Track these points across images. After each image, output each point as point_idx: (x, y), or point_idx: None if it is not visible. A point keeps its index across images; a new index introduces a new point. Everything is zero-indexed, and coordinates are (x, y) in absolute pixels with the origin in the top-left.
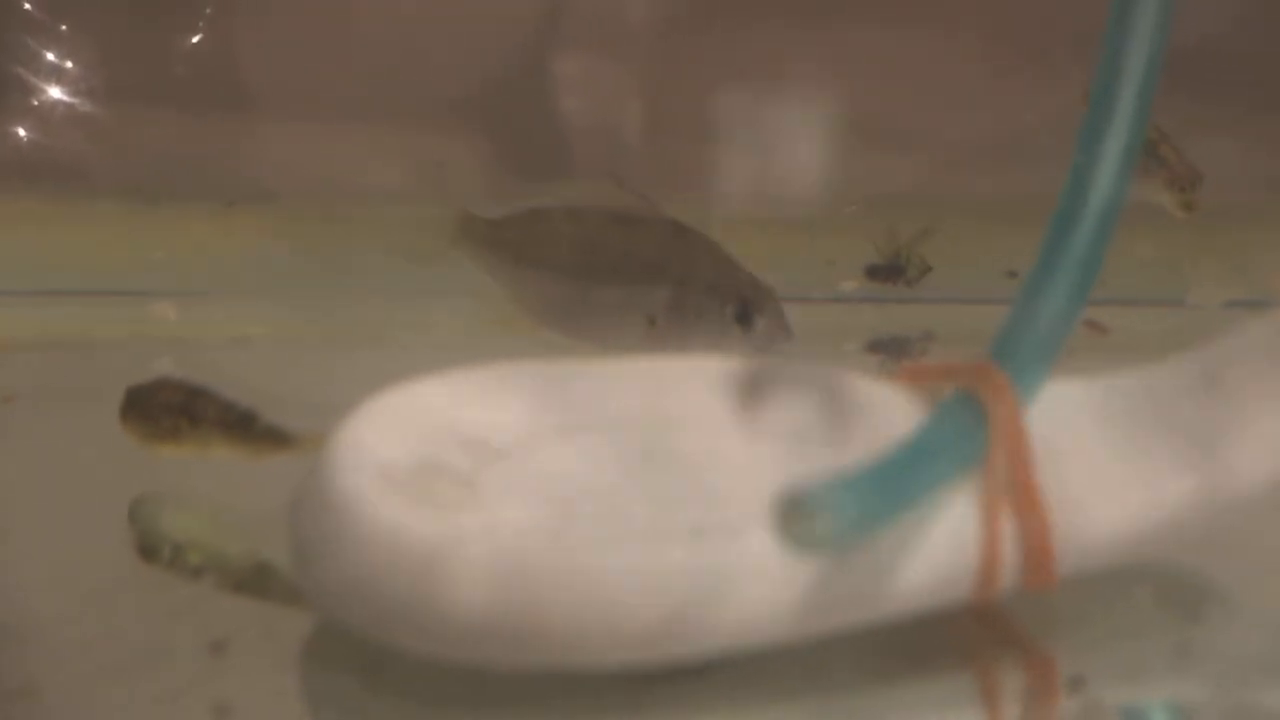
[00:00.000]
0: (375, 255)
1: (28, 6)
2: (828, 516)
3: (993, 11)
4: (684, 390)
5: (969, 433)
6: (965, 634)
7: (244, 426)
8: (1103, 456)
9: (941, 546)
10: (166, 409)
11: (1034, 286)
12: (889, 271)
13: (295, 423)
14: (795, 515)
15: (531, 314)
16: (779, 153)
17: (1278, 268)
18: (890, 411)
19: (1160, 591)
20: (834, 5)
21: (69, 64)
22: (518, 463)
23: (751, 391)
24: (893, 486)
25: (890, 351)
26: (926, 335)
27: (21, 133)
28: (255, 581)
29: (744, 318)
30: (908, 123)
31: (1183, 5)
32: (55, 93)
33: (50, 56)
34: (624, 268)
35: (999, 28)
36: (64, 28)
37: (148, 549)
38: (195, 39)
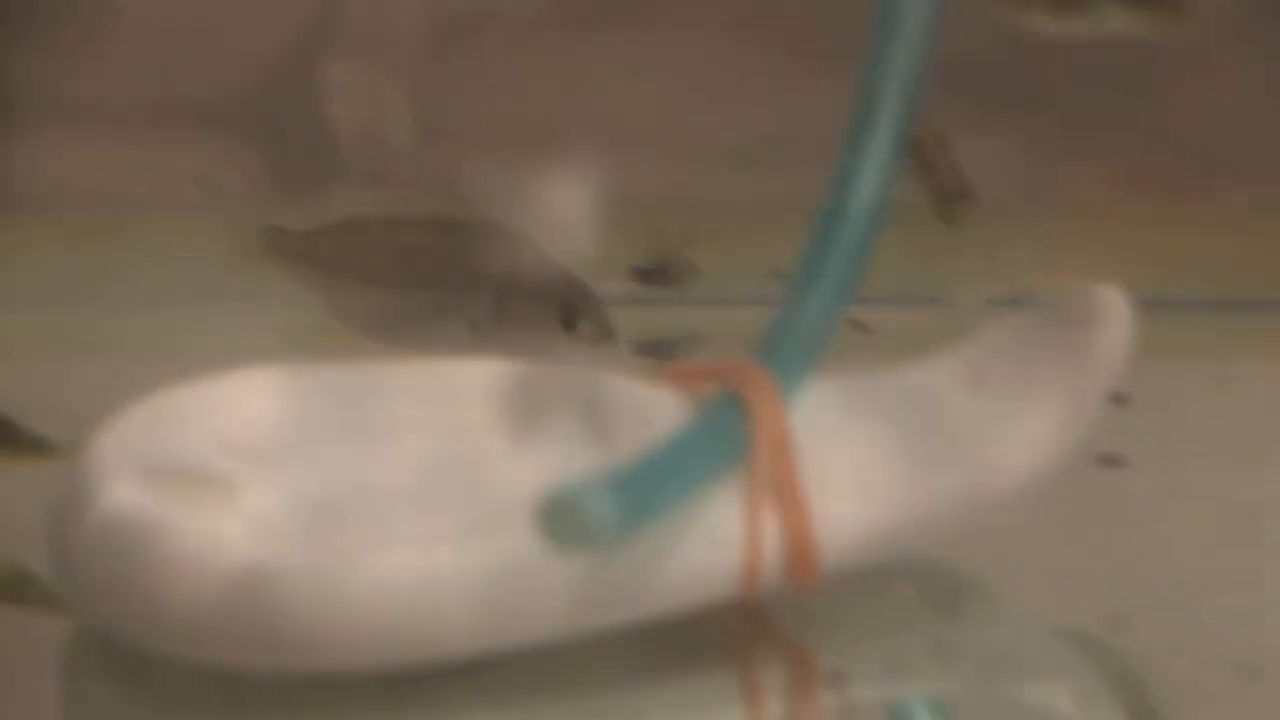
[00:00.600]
0: (153, 265)
1: None
2: (591, 515)
3: (757, 10)
4: (454, 393)
5: (732, 431)
6: (729, 631)
7: (5, 435)
8: (865, 455)
9: (705, 545)
10: None
11: (797, 287)
12: (655, 273)
13: (62, 432)
14: (559, 515)
15: (349, 324)
16: (542, 156)
17: (1036, 266)
18: (655, 412)
19: (921, 588)
20: (597, 10)
21: None
22: (282, 467)
23: (520, 394)
24: (655, 485)
25: (658, 354)
26: (693, 337)
27: None
28: (14, 589)
29: (568, 321)
30: (673, 124)
31: (949, 7)
32: None
33: None
34: (445, 273)
35: (764, 27)
36: None
37: None
38: None
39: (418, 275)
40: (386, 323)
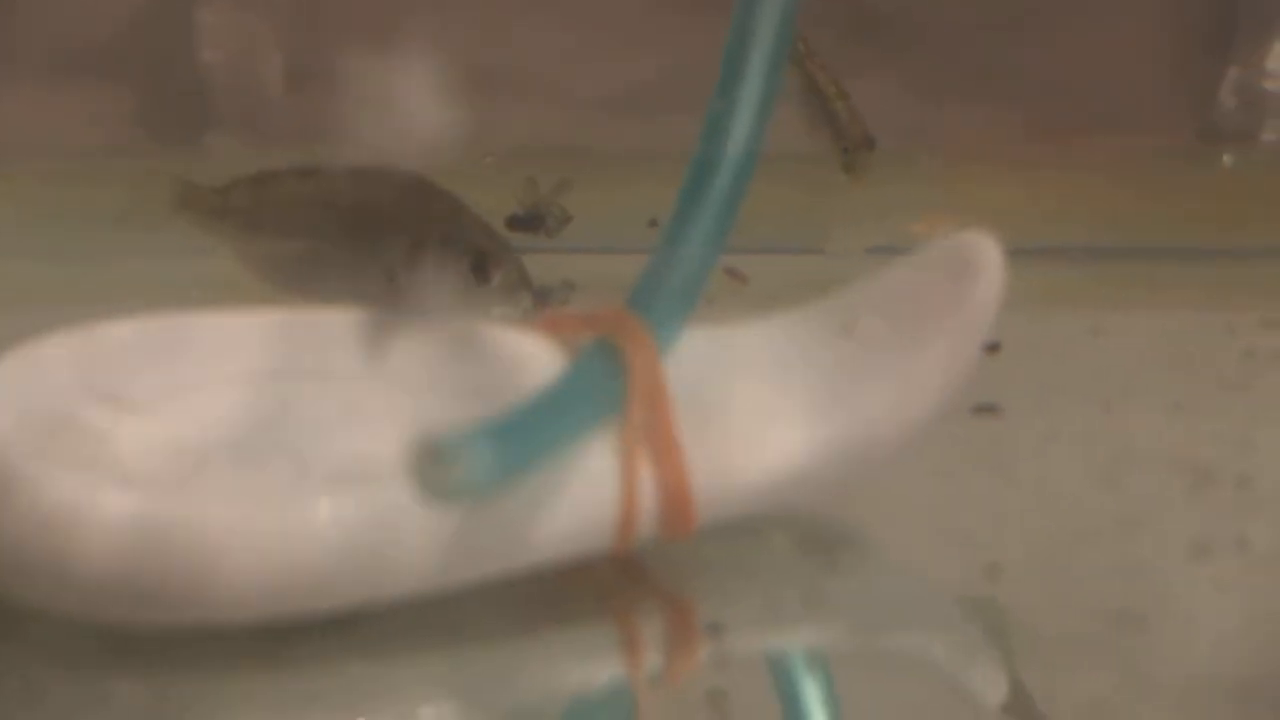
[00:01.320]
0: (41, 214)
1: None
2: (464, 465)
3: None
4: (326, 342)
5: (607, 381)
6: (606, 583)
7: None
8: (741, 404)
9: (581, 496)
10: None
11: (671, 235)
12: (530, 221)
13: None
14: (432, 464)
15: (265, 278)
16: (412, 105)
17: (915, 215)
18: (529, 361)
19: (797, 538)
20: None
21: None
22: (155, 418)
23: (391, 344)
24: (530, 435)
25: (533, 302)
26: (568, 285)
27: None
28: None
29: (480, 271)
30: (547, 74)
31: None
32: None
33: None
34: (360, 224)
35: None
36: None
37: None
38: None
39: (331, 224)
40: (302, 276)
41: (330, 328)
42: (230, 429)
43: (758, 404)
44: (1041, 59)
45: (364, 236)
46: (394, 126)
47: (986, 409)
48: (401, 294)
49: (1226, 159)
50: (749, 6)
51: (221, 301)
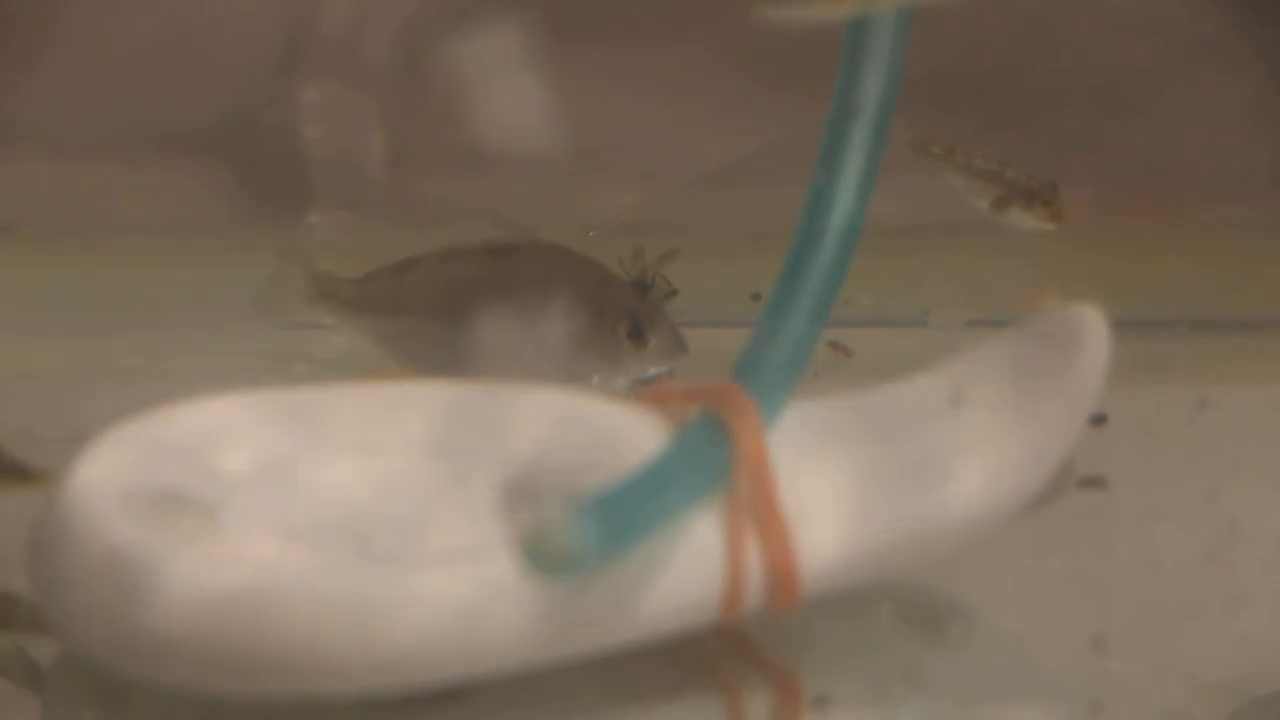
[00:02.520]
0: (148, 288)
1: None
2: (572, 541)
3: (732, 33)
4: (430, 416)
5: (712, 454)
6: (712, 655)
7: None
8: (846, 477)
9: (686, 569)
10: None
11: (775, 308)
12: (636, 290)
13: (48, 458)
14: (539, 541)
15: (413, 363)
16: (518, 179)
17: (1016, 288)
18: (635, 435)
19: (903, 611)
20: (573, 27)
21: None
22: (260, 492)
23: (499, 416)
24: (636, 510)
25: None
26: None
27: None
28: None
29: (637, 335)
30: (649, 147)
31: (918, 30)
32: None
33: None
34: (509, 300)
35: (739, 49)
36: None
37: None
38: None
39: (481, 308)
40: (454, 356)
41: (434, 402)
42: (336, 503)
43: (862, 476)
44: (1139, 129)
45: (514, 312)
46: (496, 201)
47: (1092, 482)
48: (557, 365)
49: None
50: (851, 80)
51: (326, 376)
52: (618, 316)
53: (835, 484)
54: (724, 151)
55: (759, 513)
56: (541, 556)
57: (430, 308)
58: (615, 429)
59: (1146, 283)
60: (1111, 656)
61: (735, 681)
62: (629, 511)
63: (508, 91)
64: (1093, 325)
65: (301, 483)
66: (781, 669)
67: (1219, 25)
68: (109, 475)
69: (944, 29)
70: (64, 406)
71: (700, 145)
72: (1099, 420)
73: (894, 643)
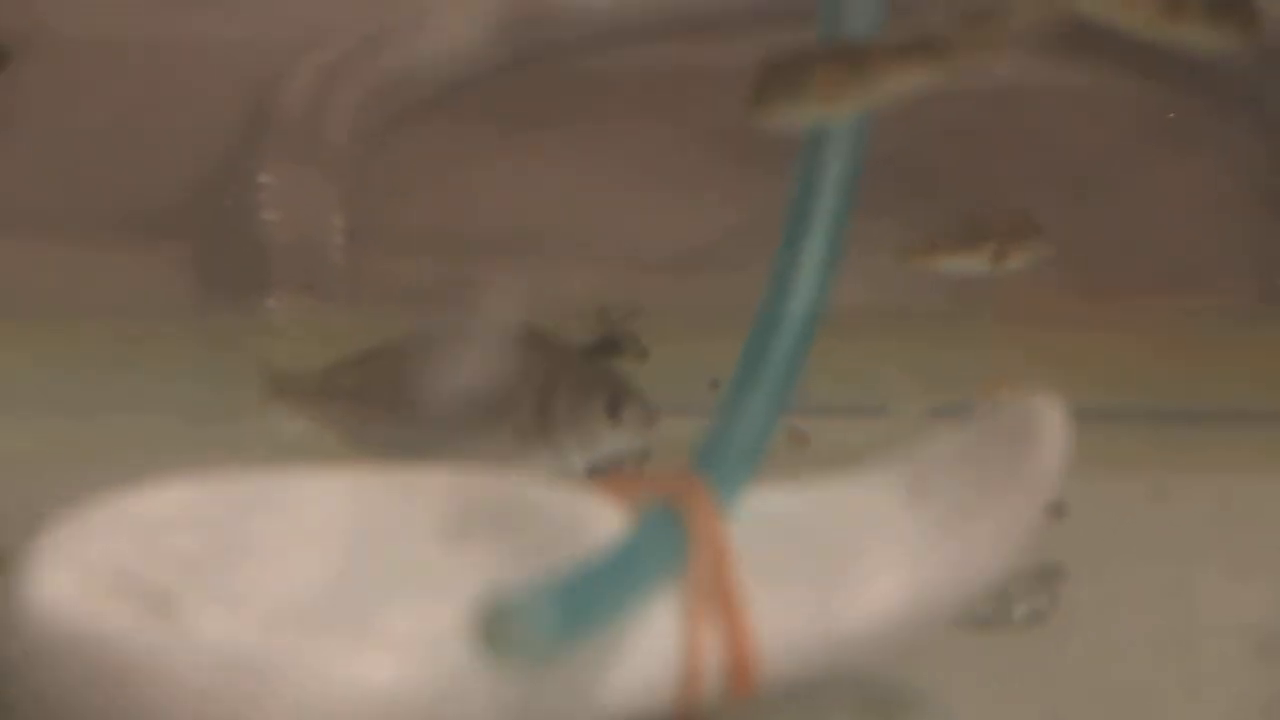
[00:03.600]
0: (103, 370)
1: None
2: (527, 625)
3: (692, 114)
4: (387, 502)
5: (670, 542)
6: None
7: None
8: (804, 567)
9: (643, 657)
10: None
11: (733, 395)
12: (605, 347)
13: (5, 539)
14: (494, 624)
15: (380, 456)
16: (476, 262)
17: (976, 375)
18: (591, 522)
19: (859, 701)
20: (529, 111)
21: None
22: (220, 574)
23: (452, 504)
24: (594, 596)
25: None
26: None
27: None
28: None
29: (614, 411)
30: (605, 232)
31: (886, 112)
32: None
33: None
34: (483, 381)
35: (700, 128)
36: None
37: None
38: None
39: (453, 396)
40: (423, 449)
41: (391, 488)
42: (292, 588)
43: (820, 566)
44: (1101, 218)
45: (488, 395)
46: (452, 286)
47: (1049, 573)
48: (533, 448)
49: None
50: (812, 165)
51: (286, 459)
52: (594, 394)
53: (794, 573)
54: (682, 235)
55: (718, 601)
56: (498, 640)
57: (399, 399)
58: (574, 516)
59: (1109, 368)
60: None
61: None
62: (587, 598)
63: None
64: (1051, 417)
65: (260, 565)
66: None
67: (1188, 113)
68: (66, 556)
69: (911, 112)
70: (18, 486)
71: (658, 229)
72: (1057, 510)
73: None
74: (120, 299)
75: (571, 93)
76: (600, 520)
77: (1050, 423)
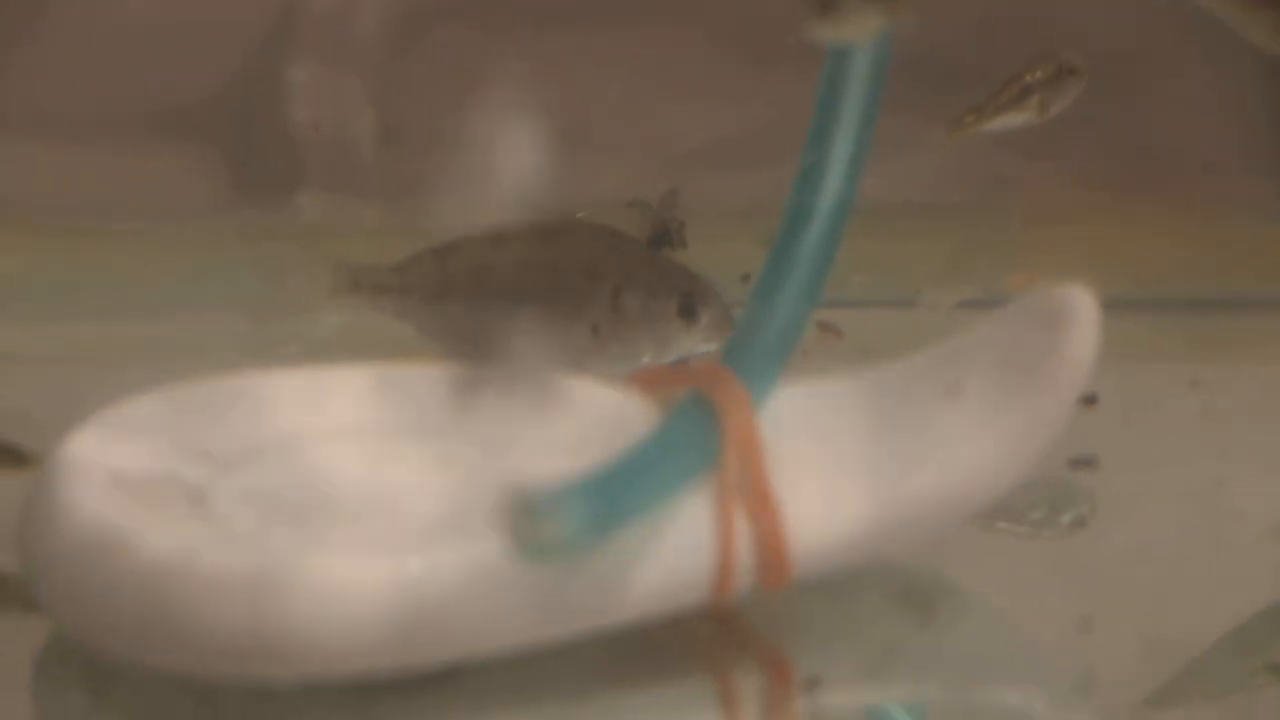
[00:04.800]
0: (137, 271)
1: None
2: (559, 521)
3: (727, 8)
4: (418, 398)
5: (701, 436)
6: (702, 638)
7: None
8: (836, 458)
9: (676, 550)
10: None
11: (764, 289)
12: (658, 241)
13: (41, 441)
14: (525, 520)
15: (455, 352)
16: (507, 159)
17: (1006, 266)
18: (622, 417)
19: (893, 592)
20: (565, 6)
21: None
22: (249, 473)
23: (483, 398)
24: (625, 490)
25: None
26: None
27: None
28: None
29: (688, 312)
30: (638, 129)
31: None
32: None
33: None
34: (558, 282)
35: (734, 25)
36: None
37: None
38: None
39: (529, 291)
40: (498, 344)
41: (422, 383)
42: (323, 484)
43: (852, 457)
44: (1134, 109)
45: (563, 294)
46: (486, 182)
47: (1083, 463)
48: (607, 346)
49: None
50: (840, 59)
51: (317, 358)
52: (670, 293)
53: (827, 465)
54: (712, 132)
55: (749, 494)
56: (530, 537)
57: (475, 294)
58: (604, 411)
59: (1137, 262)
60: (1100, 635)
61: (725, 664)
62: (618, 492)
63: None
64: (1083, 306)
65: (291, 463)
66: (772, 651)
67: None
68: (98, 455)
69: (935, 10)
70: (55, 389)
71: (690, 126)
72: (1089, 401)
73: (885, 623)
74: (153, 200)
75: None
76: (631, 414)
77: (1082, 313)
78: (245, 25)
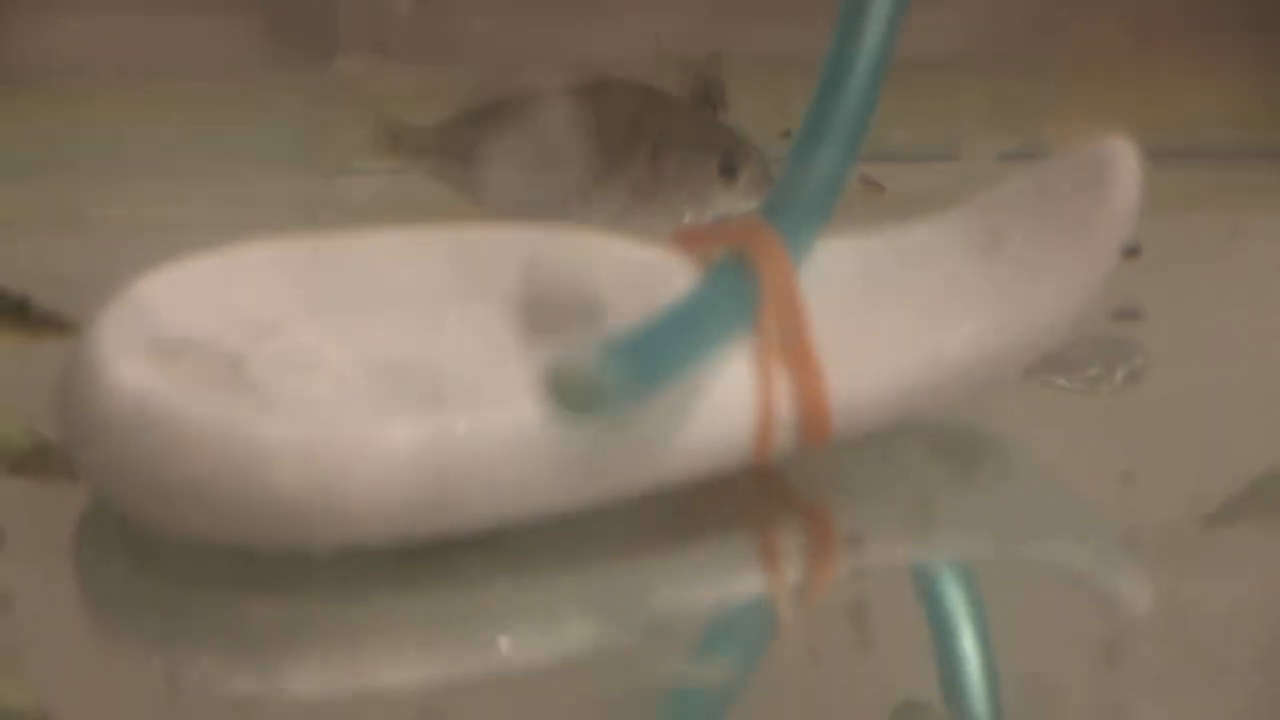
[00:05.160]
0: (173, 134)
1: None
2: (599, 381)
3: None
4: (459, 262)
5: (741, 293)
6: (744, 495)
7: (18, 312)
8: (878, 313)
9: (717, 409)
10: None
11: (804, 144)
12: (700, 101)
13: (79, 308)
14: (567, 382)
15: (498, 208)
16: (544, 16)
17: (1047, 118)
18: (662, 275)
19: (935, 447)
20: None
21: None
22: (286, 340)
23: (529, 258)
24: (664, 349)
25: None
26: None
27: None
28: (34, 461)
29: (728, 170)
30: None
31: None
32: None
33: None
34: (597, 139)
35: None
36: None
37: None
38: None
39: (568, 148)
40: (546, 197)
41: (464, 245)
42: (365, 349)
43: (894, 312)
44: None
45: (603, 152)
46: (524, 43)
47: (1127, 315)
48: (648, 203)
49: None
50: None
51: (353, 222)
52: (710, 152)
53: (868, 320)
54: None
55: (789, 350)
56: (571, 396)
57: (514, 152)
58: (645, 269)
59: (1179, 113)
60: (1139, 491)
61: (768, 521)
62: (658, 350)
63: None
64: (1125, 158)
65: (329, 329)
66: (814, 508)
67: None
68: (134, 324)
69: None
70: (96, 253)
71: None
72: (1132, 252)
73: (926, 479)
74: (189, 62)
75: None
76: (671, 272)
77: (1124, 163)
78: None
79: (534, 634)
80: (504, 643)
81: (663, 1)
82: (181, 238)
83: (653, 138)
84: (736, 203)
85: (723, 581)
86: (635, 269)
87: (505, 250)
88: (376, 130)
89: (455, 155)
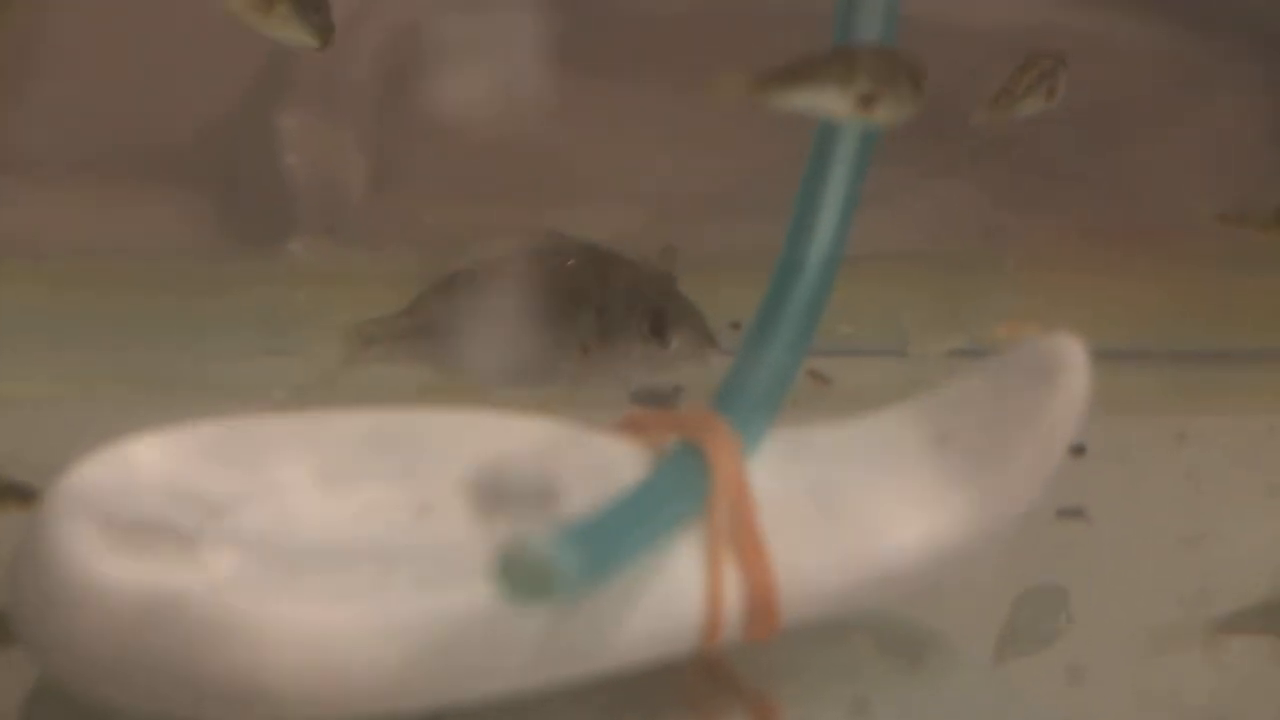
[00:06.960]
0: (127, 313)
1: None
2: (549, 567)
3: (714, 63)
4: (408, 444)
5: (691, 482)
6: (691, 685)
7: None
8: (825, 506)
9: (665, 597)
10: None
11: (755, 337)
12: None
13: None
14: (516, 567)
15: (463, 380)
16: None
17: (995, 316)
18: (612, 463)
19: (881, 640)
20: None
21: None
22: (239, 519)
23: (476, 444)
24: (615, 537)
25: (650, 402)
26: (676, 389)
27: None
28: None
29: (658, 332)
30: (630, 177)
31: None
32: None
33: None
34: (551, 303)
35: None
36: None
37: None
38: None
39: (528, 314)
40: (508, 368)
41: (413, 429)
42: (314, 530)
43: (841, 505)
44: (1121, 159)
45: (557, 315)
46: (477, 228)
47: (1072, 513)
48: (595, 366)
49: None
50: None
51: (304, 402)
52: (641, 315)
53: (816, 513)
54: (703, 182)
55: (738, 540)
56: (520, 581)
57: (481, 320)
58: (594, 457)
59: (1126, 313)
60: (1088, 687)
61: (714, 711)
62: (608, 539)
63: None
64: (1073, 356)
65: (283, 509)
66: (761, 698)
67: (1198, 59)
68: (85, 501)
69: (929, 57)
70: (51, 429)
71: (680, 175)
72: (1078, 451)
73: (873, 671)
74: (142, 243)
75: (603, 39)
76: (621, 460)
77: (1072, 363)
78: (237, 69)
79: None
80: None
81: (619, 194)
82: (129, 417)
83: (596, 301)
84: (675, 365)
85: None
86: (587, 455)
87: (456, 433)
88: (347, 337)
89: (430, 332)
